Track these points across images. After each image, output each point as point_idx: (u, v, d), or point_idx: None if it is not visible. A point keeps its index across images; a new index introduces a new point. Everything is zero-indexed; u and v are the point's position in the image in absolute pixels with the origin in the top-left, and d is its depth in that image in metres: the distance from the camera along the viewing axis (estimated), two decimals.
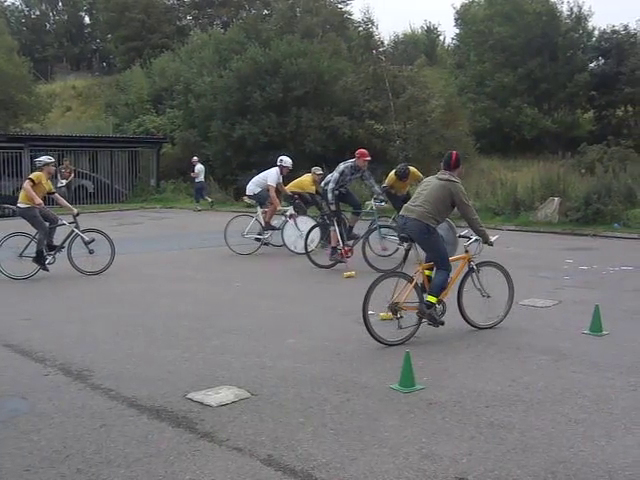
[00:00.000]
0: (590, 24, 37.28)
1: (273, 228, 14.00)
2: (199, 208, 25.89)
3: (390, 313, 6.93)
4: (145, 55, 44.98)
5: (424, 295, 7.05)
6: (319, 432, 4.66)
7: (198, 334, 7.35)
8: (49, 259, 11.41)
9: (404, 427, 4.74)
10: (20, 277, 11.01)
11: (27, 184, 11.22)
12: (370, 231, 12.04)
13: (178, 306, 8.81)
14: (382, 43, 33.70)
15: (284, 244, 13.62)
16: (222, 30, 43.36)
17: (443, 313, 7.14)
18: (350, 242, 11.97)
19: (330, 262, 11.75)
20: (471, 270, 7.47)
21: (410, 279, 7.03)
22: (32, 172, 11.95)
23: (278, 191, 14.05)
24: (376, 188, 12.42)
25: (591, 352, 6.52)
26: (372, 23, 32.58)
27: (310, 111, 29.75)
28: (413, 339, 6.89)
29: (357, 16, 43.68)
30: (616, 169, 19.95)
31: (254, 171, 29.09)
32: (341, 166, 12.09)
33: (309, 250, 12.12)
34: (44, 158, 11.77)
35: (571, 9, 36.90)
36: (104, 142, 32.17)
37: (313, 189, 14.64)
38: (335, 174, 11.97)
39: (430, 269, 7.25)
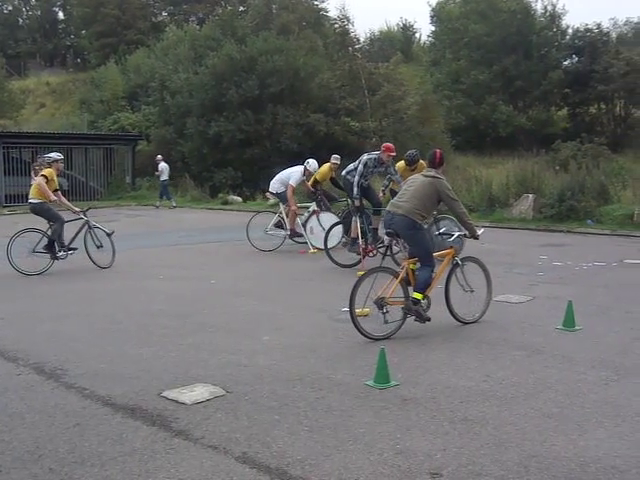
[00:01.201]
0: (564, 22, 37.75)
1: (299, 235, 13.71)
2: (174, 204, 25.81)
3: (366, 309, 6.98)
4: (120, 51, 44.73)
5: (409, 289, 7.11)
6: (294, 429, 4.66)
7: (173, 332, 7.32)
8: (61, 254, 11.47)
9: (379, 423, 4.75)
10: (33, 273, 11.02)
11: (42, 180, 11.38)
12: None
13: (153, 304, 8.76)
14: (358, 40, 33.86)
15: (307, 241, 13.45)
16: (198, 26, 43.25)
17: (428, 307, 7.22)
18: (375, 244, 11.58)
19: (351, 261, 11.27)
20: (456, 265, 7.57)
21: (396, 274, 7.09)
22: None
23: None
24: (403, 184, 11.95)
25: (564, 347, 6.58)
26: (348, 20, 32.74)
27: (286, 108, 29.75)
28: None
29: (333, 13, 43.75)
30: (589, 166, 20.16)
31: (230, 168, 29.32)
32: (364, 157, 11.65)
33: (329, 247, 11.77)
34: (53, 155, 11.92)
35: (545, 7, 37.33)
36: (78, 139, 31.83)
37: (329, 176, 14.40)
38: (359, 166, 11.50)
39: (415, 263, 7.32)
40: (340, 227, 12.41)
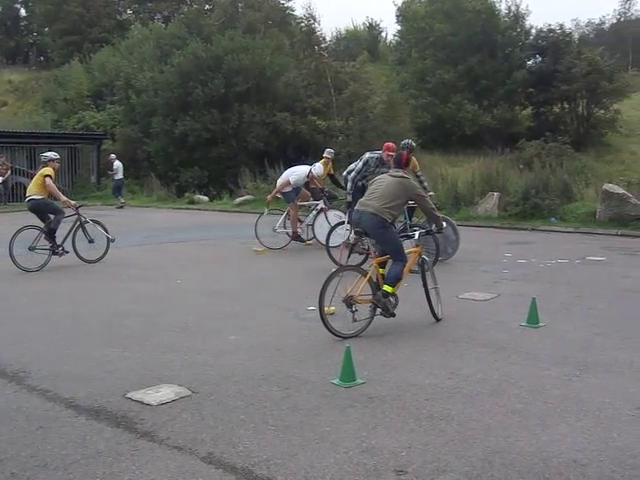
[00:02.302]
0: (527, 23, 38.17)
1: (301, 240, 13.59)
2: (122, 201, 25.62)
3: (332, 307, 7.01)
4: (84, 50, 44.15)
5: (377, 290, 7.18)
6: (260, 428, 4.65)
7: (139, 332, 7.26)
8: (59, 250, 11.90)
9: (345, 422, 4.76)
10: (33, 269, 11.34)
11: (50, 181, 11.77)
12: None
13: (119, 304, 8.68)
14: (324, 39, 33.84)
15: (315, 238, 13.31)
16: (163, 25, 42.90)
17: (395, 306, 7.27)
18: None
19: (353, 262, 10.48)
20: (423, 263, 7.71)
21: (364, 273, 7.16)
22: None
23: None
24: None
25: (528, 344, 6.66)
26: (314, 19, 32.69)
27: (252, 107, 29.68)
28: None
29: (299, 12, 43.71)
30: (553, 165, 20.36)
31: (196, 168, 29.16)
32: (366, 155, 11.46)
33: (331, 246, 11.35)
34: (50, 154, 12.33)
35: (509, 8, 37.66)
36: (42, 138, 31.28)
37: (326, 171, 14.13)
38: (359, 164, 11.32)
39: (383, 266, 7.40)
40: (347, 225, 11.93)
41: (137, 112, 31.47)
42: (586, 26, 49.70)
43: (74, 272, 11.40)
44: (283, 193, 13.81)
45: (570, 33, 37.40)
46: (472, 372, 5.80)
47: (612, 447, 4.31)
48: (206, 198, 26.56)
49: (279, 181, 13.98)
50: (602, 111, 34.13)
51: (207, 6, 44.02)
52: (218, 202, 25.66)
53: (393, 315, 7.21)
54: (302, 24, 34.22)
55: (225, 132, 29.48)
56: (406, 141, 11.87)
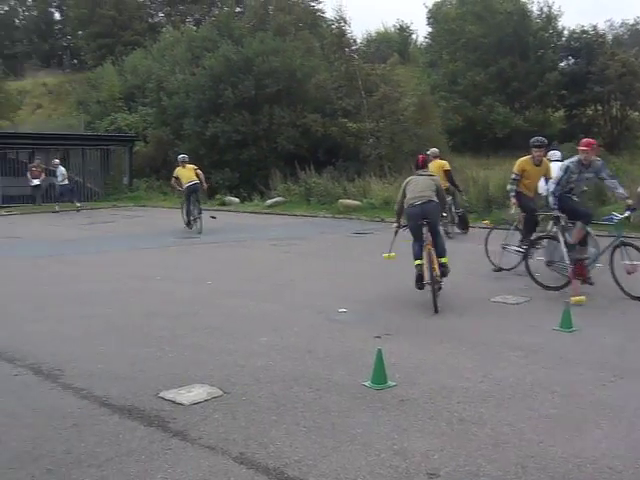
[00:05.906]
0: (560, 24, 37.72)
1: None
2: (57, 209, 24.54)
3: (393, 253, 8.92)
4: (117, 52, 44.64)
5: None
6: (291, 430, 4.66)
7: (170, 333, 7.31)
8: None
9: (376, 424, 4.75)
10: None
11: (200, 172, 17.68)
12: (611, 248, 9.13)
13: (150, 305, 8.75)
14: (354, 41, 33.77)
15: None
16: (194, 27, 43.15)
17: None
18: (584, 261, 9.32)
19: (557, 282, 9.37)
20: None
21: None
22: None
23: None
24: (620, 190, 9.24)
25: (561, 348, 6.59)
26: (345, 21, 32.62)
27: (283, 109, 29.73)
28: (386, 336, 6.93)
29: (330, 14, 43.70)
30: None
31: (227, 169, 29.30)
32: (565, 162, 9.80)
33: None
34: (185, 157, 17.90)
35: (541, 9, 37.27)
36: (75, 140, 31.66)
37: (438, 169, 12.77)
38: (560, 173, 9.42)
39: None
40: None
41: (168, 114, 31.68)
42: (620, 27, 48.95)
43: (104, 273, 11.49)
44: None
45: (604, 34, 36.92)
46: (504, 376, 5.75)
47: None
48: (237, 200, 26.64)
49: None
50: (636, 113, 33.67)
51: (238, 9, 44.14)
52: (249, 204, 25.75)
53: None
54: (333, 26, 34.23)
55: (255, 134, 29.58)
56: (536, 138, 10.73)
